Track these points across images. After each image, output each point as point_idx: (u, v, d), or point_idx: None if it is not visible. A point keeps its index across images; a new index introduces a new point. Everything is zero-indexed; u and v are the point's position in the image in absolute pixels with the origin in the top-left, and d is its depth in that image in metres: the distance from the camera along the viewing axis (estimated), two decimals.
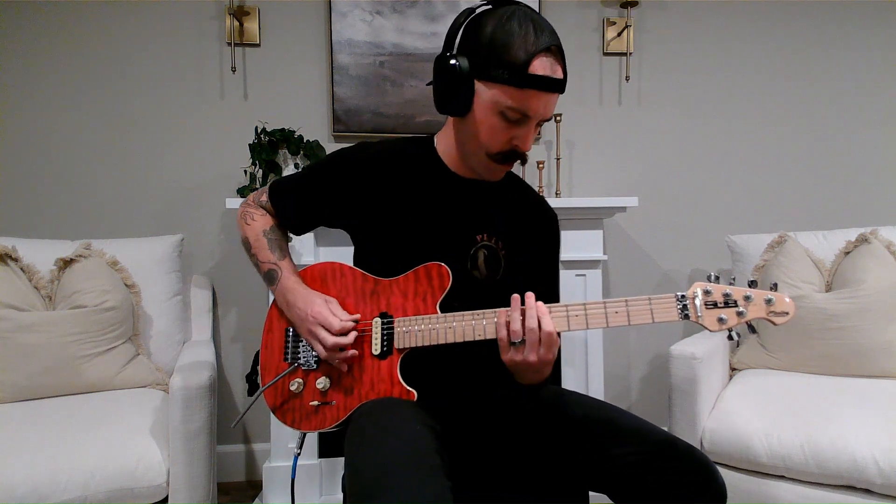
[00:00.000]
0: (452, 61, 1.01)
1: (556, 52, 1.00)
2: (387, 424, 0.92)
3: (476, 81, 1.02)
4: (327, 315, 1.06)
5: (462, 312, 1.02)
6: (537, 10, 2.26)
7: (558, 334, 0.96)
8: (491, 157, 1.06)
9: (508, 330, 0.95)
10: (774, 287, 0.93)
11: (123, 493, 1.33)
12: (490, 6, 1.03)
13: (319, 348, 1.06)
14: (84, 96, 2.14)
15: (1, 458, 1.29)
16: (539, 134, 2.34)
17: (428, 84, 1.10)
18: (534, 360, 0.94)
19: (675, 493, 0.93)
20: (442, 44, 1.06)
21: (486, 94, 1.01)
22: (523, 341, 0.94)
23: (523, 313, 0.95)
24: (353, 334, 1.06)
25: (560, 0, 2.33)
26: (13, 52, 2.09)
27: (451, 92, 1.03)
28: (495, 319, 0.98)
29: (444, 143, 1.15)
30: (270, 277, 1.17)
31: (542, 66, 0.98)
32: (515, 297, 0.96)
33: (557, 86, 1.00)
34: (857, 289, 1.78)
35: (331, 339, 1.04)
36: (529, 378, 1.00)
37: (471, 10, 1.05)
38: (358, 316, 1.08)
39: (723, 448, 1.55)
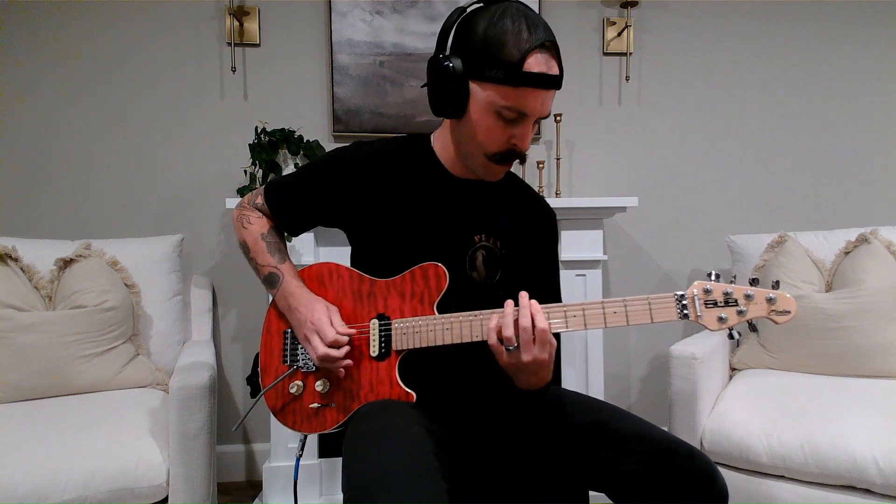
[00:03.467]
0: (446, 63, 1.00)
1: (551, 48, 0.98)
2: (384, 427, 0.92)
3: (471, 82, 1.00)
4: (324, 324, 1.05)
5: (459, 313, 1.01)
6: (537, 11, 2.26)
7: (558, 335, 0.96)
8: (489, 158, 1.05)
9: (501, 336, 0.94)
10: (776, 285, 0.92)
11: (123, 493, 1.33)
12: (481, 4, 1.02)
13: (312, 354, 1.06)
14: (84, 96, 2.14)
15: (1, 458, 1.29)
16: (539, 134, 2.34)
17: (422, 86, 1.10)
18: (528, 360, 0.92)
19: (676, 494, 0.93)
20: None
21: (481, 95, 1.00)
22: (517, 347, 0.93)
23: (516, 314, 0.93)
24: (345, 349, 1.05)
25: (560, 0, 2.33)
26: (13, 52, 2.09)
27: (446, 94, 1.02)
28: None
29: (441, 144, 1.14)
30: (271, 281, 1.16)
31: (536, 63, 0.96)
32: (509, 302, 0.95)
33: (553, 82, 0.99)
34: (857, 289, 1.78)
35: (321, 350, 1.04)
36: (526, 381, 0.98)
37: (462, 9, 1.03)
38: (354, 332, 1.08)
39: (723, 448, 1.55)
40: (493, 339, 0.95)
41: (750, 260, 2.07)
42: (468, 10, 1.03)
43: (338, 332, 1.05)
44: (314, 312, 1.07)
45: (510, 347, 0.93)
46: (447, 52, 1.02)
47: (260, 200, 1.22)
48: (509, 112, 0.99)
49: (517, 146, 1.03)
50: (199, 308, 2.08)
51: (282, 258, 1.18)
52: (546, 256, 1.22)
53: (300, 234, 1.27)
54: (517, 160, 1.08)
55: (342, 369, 1.07)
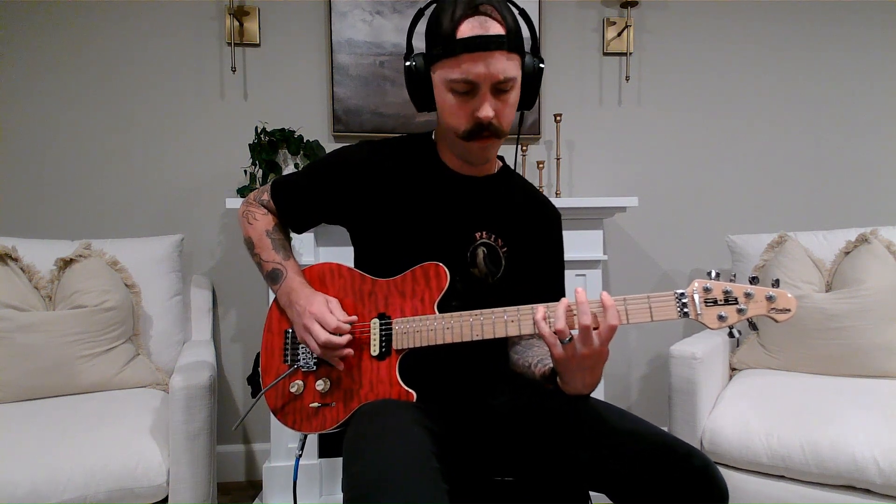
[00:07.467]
0: (407, 63, 1.06)
1: (486, 11, 0.99)
2: (385, 426, 0.92)
3: (430, 71, 1.05)
4: (325, 312, 1.05)
5: (460, 312, 1.01)
6: (537, 11, 2.26)
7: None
8: (462, 137, 1.06)
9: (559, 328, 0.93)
10: (776, 283, 0.91)
11: (123, 493, 1.33)
12: (433, 2, 1.08)
13: (312, 344, 1.06)
14: (84, 96, 2.14)
15: (1, 458, 1.29)
16: (539, 133, 2.34)
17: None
18: (585, 353, 0.92)
19: (675, 493, 0.93)
20: None
21: (436, 78, 1.05)
22: (571, 339, 0.92)
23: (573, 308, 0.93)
24: (347, 337, 1.05)
25: (560, 0, 2.33)
26: (13, 52, 2.09)
27: (415, 90, 1.08)
28: (493, 318, 0.98)
29: (440, 141, 1.16)
30: (274, 277, 1.16)
31: (469, 28, 0.99)
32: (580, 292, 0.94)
33: (489, 42, 0.97)
34: (857, 289, 1.78)
35: (323, 336, 1.03)
36: (581, 379, 0.98)
37: (420, 12, 1.10)
38: (355, 318, 1.08)
39: (723, 448, 1.55)
40: (555, 327, 0.92)
41: (750, 260, 2.07)
42: (425, 12, 1.09)
43: (339, 320, 1.05)
44: (313, 304, 1.07)
45: (564, 340, 0.92)
46: (412, 52, 1.08)
47: (266, 197, 1.23)
48: (459, 84, 1.01)
49: (480, 117, 1.02)
50: (199, 308, 2.08)
51: (286, 255, 1.19)
52: (549, 255, 1.22)
53: (305, 231, 1.27)
54: (496, 136, 1.06)
55: (342, 367, 1.07)
